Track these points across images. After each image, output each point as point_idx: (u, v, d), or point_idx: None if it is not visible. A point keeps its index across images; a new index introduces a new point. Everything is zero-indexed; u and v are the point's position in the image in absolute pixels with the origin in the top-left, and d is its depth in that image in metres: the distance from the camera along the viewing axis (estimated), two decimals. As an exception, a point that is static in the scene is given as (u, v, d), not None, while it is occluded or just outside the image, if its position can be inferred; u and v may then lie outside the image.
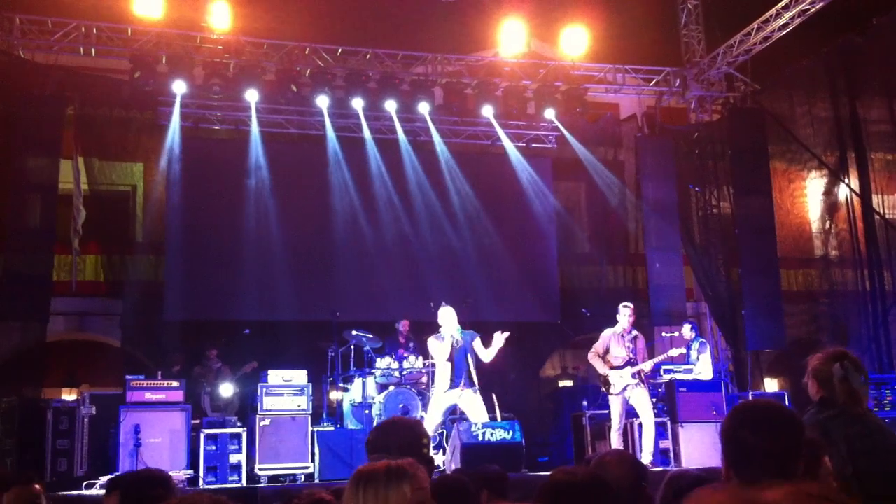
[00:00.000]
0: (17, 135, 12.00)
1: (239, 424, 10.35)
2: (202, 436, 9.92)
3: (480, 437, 9.16)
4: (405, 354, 11.65)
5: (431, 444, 9.16)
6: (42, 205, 12.18)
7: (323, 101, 13.36)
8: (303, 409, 10.32)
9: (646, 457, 9.72)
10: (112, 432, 10.02)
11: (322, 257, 13.66)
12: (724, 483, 2.56)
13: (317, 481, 9.67)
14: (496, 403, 10.18)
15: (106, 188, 13.36)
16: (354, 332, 11.48)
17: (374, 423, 10.20)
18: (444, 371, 9.51)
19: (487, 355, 9.51)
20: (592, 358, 10.24)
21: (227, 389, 11.72)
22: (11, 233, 11.75)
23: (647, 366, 10.10)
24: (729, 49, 14.39)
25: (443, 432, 10.26)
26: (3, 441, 9.85)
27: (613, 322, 10.22)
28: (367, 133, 13.93)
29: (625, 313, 10.10)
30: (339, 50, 13.73)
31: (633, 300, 11.48)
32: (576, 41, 14.23)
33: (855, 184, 13.17)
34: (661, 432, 10.60)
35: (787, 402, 11.04)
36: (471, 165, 14.54)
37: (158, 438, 9.75)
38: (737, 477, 2.54)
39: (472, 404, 9.48)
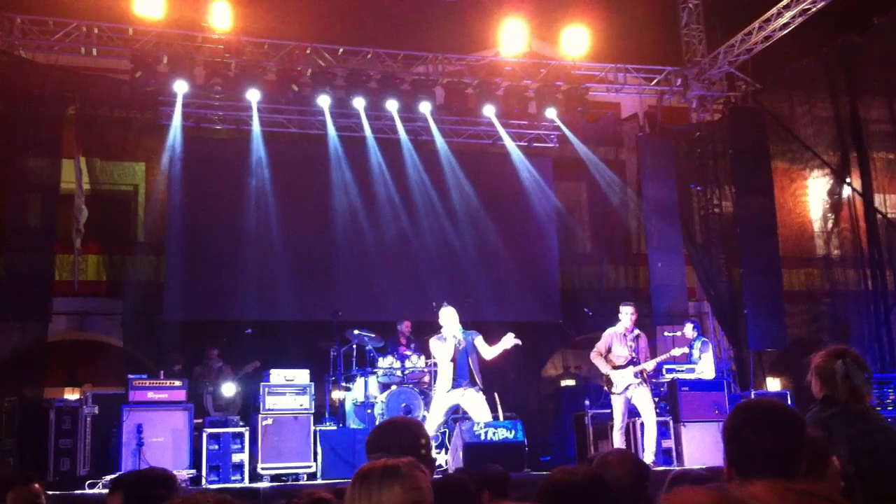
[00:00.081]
0: (18, 135, 11.99)
1: (241, 424, 10.36)
2: (205, 435, 9.93)
3: (483, 437, 9.16)
4: (407, 353, 11.65)
5: (433, 445, 9.18)
6: (42, 205, 12.18)
7: (324, 101, 13.36)
8: (305, 409, 10.32)
9: (648, 456, 9.72)
10: (114, 432, 10.04)
11: (323, 257, 13.66)
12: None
13: (319, 480, 9.67)
14: (498, 403, 10.18)
15: (107, 188, 13.38)
16: (356, 332, 11.49)
17: (377, 423, 10.21)
18: (446, 371, 9.51)
19: (490, 353, 9.51)
20: (595, 357, 10.24)
21: (229, 389, 11.72)
22: (12, 233, 11.75)
23: (649, 365, 10.10)
24: (730, 48, 14.38)
25: (445, 431, 10.27)
26: (4, 441, 9.86)
27: (615, 322, 10.22)
28: (368, 133, 13.93)
29: (626, 312, 10.11)
30: (340, 50, 13.73)
31: (635, 300, 11.48)
32: (577, 41, 14.22)
33: (857, 183, 13.16)
34: (663, 432, 10.60)
35: (789, 402, 11.05)
36: (472, 165, 14.54)
37: (161, 438, 9.76)
38: (738, 476, 2.54)
39: (475, 404, 9.48)
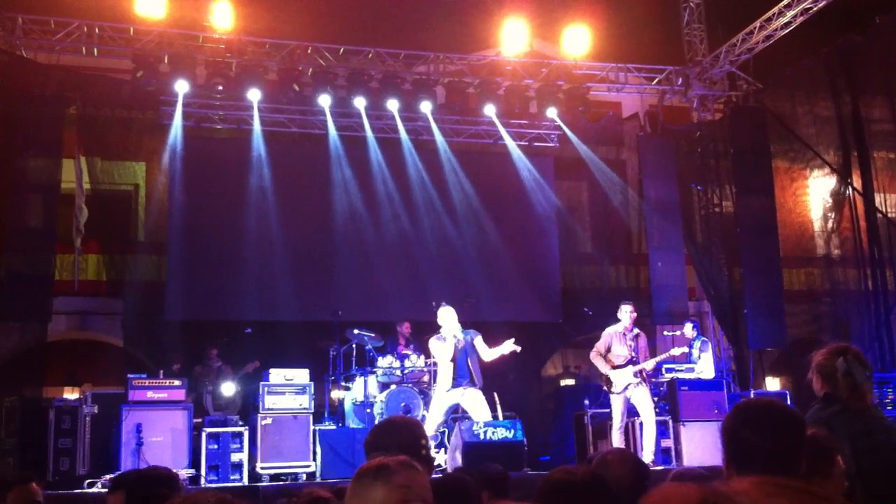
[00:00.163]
0: (19, 134, 12.00)
1: (241, 423, 10.36)
2: (204, 434, 9.92)
3: (482, 436, 9.16)
4: (407, 353, 11.65)
5: (432, 444, 9.18)
6: (43, 205, 12.19)
7: (325, 101, 13.35)
8: (304, 408, 10.31)
9: (647, 456, 9.72)
10: (114, 431, 10.03)
11: (323, 257, 13.66)
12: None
13: (318, 480, 9.67)
14: (498, 402, 10.18)
15: (108, 188, 13.36)
16: (356, 331, 11.48)
17: (376, 422, 10.20)
18: (446, 371, 9.51)
19: (489, 355, 9.53)
20: (594, 357, 10.24)
21: (228, 388, 11.72)
22: (12, 233, 11.75)
23: (648, 364, 10.10)
24: (731, 48, 14.37)
25: (444, 431, 10.26)
26: (5, 441, 9.86)
27: (615, 321, 10.22)
28: (368, 132, 13.93)
29: (626, 312, 10.11)
30: (341, 49, 13.72)
31: (635, 299, 11.48)
32: (578, 40, 14.21)
33: (857, 183, 13.16)
34: (662, 431, 10.60)
35: (789, 401, 11.04)
36: (473, 164, 14.53)
37: (160, 437, 9.76)
38: (738, 475, 2.53)
39: (475, 403, 9.48)
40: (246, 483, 9.70)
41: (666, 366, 11.38)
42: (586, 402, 11.49)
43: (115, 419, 9.94)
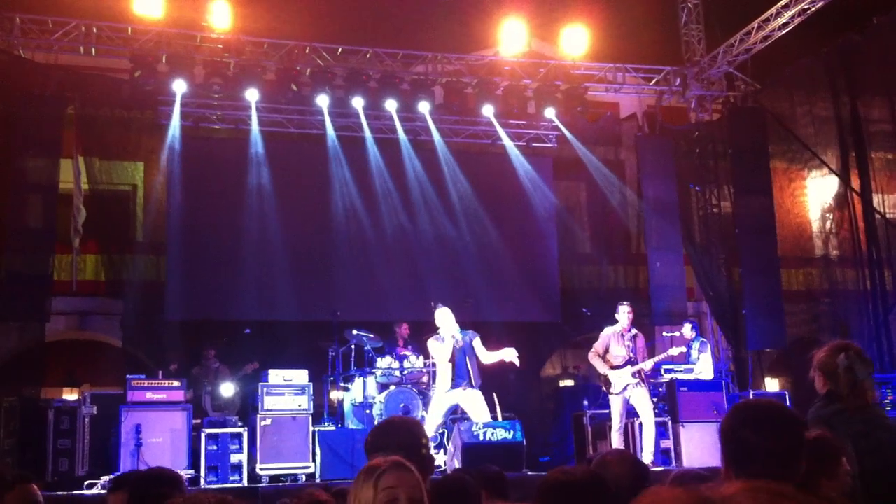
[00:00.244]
0: (17, 134, 11.98)
1: (240, 424, 10.35)
2: (203, 435, 9.91)
3: (481, 437, 9.16)
4: (406, 354, 11.64)
5: (432, 444, 9.16)
6: (42, 205, 12.17)
7: (323, 101, 13.34)
8: (304, 409, 10.31)
9: (646, 456, 9.72)
10: (113, 432, 10.02)
11: (322, 257, 13.65)
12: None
13: (318, 481, 9.65)
14: (497, 403, 10.17)
15: (106, 188, 13.33)
16: (355, 332, 11.47)
17: (375, 423, 10.20)
18: (445, 371, 9.51)
19: (487, 357, 9.53)
20: (592, 357, 10.24)
21: (227, 389, 11.71)
22: (11, 233, 11.73)
23: (647, 365, 10.11)
24: (729, 48, 14.37)
25: (444, 432, 10.25)
26: (4, 441, 9.85)
27: (614, 322, 10.23)
28: (367, 132, 13.91)
29: (623, 312, 10.12)
30: (340, 49, 13.72)
31: (634, 300, 11.48)
32: (576, 40, 14.22)
33: (856, 183, 13.16)
34: (661, 432, 10.60)
35: (788, 402, 11.04)
36: (471, 165, 14.53)
37: (159, 438, 9.75)
38: (737, 476, 2.53)
39: (474, 404, 9.47)
40: (245, 484, 9.69)
41: (665, 367, 11.38)
42: (585, 402, 11.49)
43: (114, 420, 9.93)
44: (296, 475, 10.01)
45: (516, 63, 14.30)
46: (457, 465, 8.81)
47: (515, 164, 14.62)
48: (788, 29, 13.46)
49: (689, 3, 15.06)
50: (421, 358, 11.42)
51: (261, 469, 9.91)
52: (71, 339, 14.46)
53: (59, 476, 9.48)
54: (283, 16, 14.01)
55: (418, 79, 13.84)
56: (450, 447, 9.51)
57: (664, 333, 13.65)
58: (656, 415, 10.35)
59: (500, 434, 9.27)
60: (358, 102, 13.41)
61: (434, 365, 10.21)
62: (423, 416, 10.07)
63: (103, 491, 8.40)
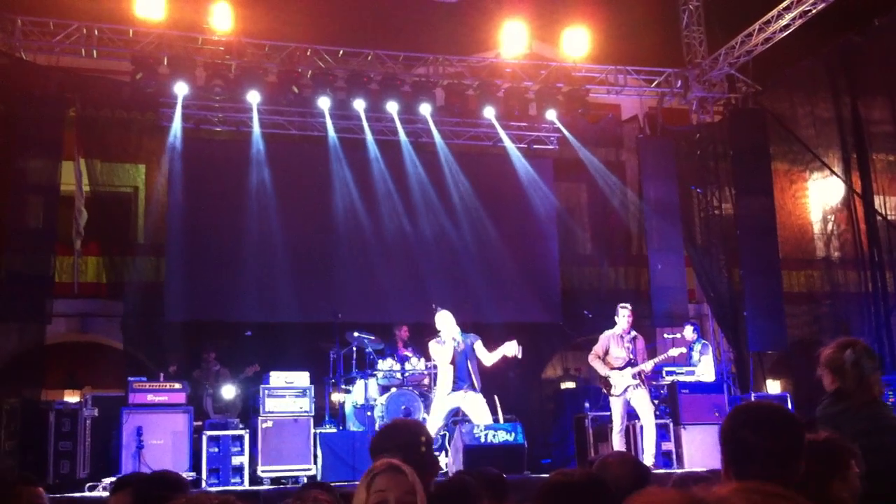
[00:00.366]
0: (18, 136, 11.99)
1: (241, 426, 10.36)
2: (204, 437, 9.92)
3: (483, 439, 9.15)
4: (407, 356, 11.64)
5: (433, 445, 9.14)
6: (43, 205, 12.17)
7: (324, 103, 13.34)
8: (305, 411, 10.32)
9: (647, 458, 9.71)
10: (114, 434, 10.03)
11: (323, 259, 13.65)
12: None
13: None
14: (498, 405, 10.17)
15: (107, 189, 13.35)
16: (356, 334, 11.47)
17: (377, 425, 10.22)
18: (446, 374, 9.51)
19: (489, 359, 9.52)
20: (593, 359, 10.24)
21: (229, 391, 11.72)
22: (12, 233, 11.73)
23: (647, 366, 10.10)
24: (730, 50, 14.37)
25: (445, 434, 10.25)
26: (5, 443, 9.85)
27: (615, 324, 10.22)
28: (368, 134, 13.92)
29: (623, 314, 10.12)
30: (341, 51, 13.72)
31: (635, 301, 11.47)
32: (577, 42, 14.21)
33: (857, 185, 13.15)
34: (663, 434, 10.60)
35: (789, 404, 11.03)
36: (472, 166, 14.53)
37: (161, 440, 9.76)
38: (737, 477, 2.53)
39: (475, 406, 9.47)
40: (247, 486, 9.70)
41: (666, 368, 11.38)
42: (586, 404, 11.49)
43: (115, 422, 9.94)
44: (297, 477, 10.01)
45: (517, 65, 14.30)
46: (459, 467, 8.80)
47: (516, 165, 14.63)
48: (789, 31, 13.46)
49: (690, 4, 15.06)
50: (422, 360, 11.42)
51: (262, 471, 9.91)
52: (72, 342, 14.46)
53: (60, 478, 9.48)
54: (284, 18, 14.01)
55: (419, 81, 13.84)
56: (451, 449, 9.51)
57: (665, 335, 13.65)
58: (658, 417, 10.34)
59: (502, 436, 9.27)
60: (359, 104, 13.41)
61: (435, 367, 10.21)
62: (424, 419, 10.07)
63: (105, 493, 8.41)
